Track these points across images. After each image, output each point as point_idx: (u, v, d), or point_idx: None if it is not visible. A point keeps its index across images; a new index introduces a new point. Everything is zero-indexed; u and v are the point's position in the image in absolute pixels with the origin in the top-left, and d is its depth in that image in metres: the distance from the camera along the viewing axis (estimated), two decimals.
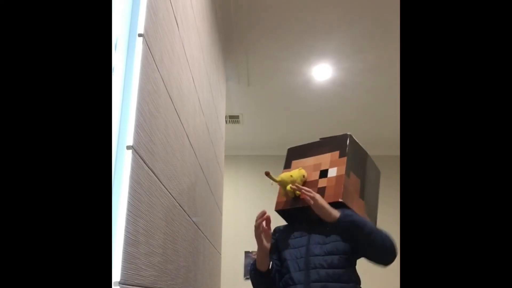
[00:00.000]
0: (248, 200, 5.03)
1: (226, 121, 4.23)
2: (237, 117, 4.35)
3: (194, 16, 1.83)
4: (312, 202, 1.53)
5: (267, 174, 1.69)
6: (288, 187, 1.68)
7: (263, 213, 1.56)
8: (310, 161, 1.81)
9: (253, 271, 1.63)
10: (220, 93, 3.01)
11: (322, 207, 1.53)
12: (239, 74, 3.60)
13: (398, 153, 4.69)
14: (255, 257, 1.63)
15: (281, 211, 1.77)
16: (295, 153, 1.89)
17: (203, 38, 2.09)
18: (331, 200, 1.63)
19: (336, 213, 1.53)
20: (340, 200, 1.62)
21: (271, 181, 1.72)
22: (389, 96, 3.87)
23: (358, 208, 1.71)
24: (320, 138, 1.92)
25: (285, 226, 1.82)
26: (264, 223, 1.57)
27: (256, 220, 1.56)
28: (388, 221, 4.82)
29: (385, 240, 1.54)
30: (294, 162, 1.86)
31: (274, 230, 1.80)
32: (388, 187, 5.00)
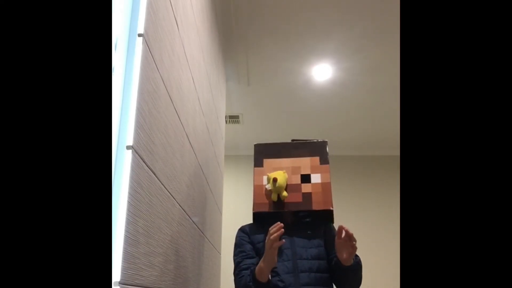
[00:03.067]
0: (248, 200, 5.02)
1: (226, 121, 4.23)
2: (237, 117, 4.35)
3: (194, 16, 1.83)
4: (352, 250, 1.50)
5: (276, 180, 1.66)
6: (284, 193, 1.67)
7: (281, 226, 1.48)
8: (286, 162, 1.79)
9: (251, 282, 1.56)
10: (220, 93, 3.01)
11: (352, 255, 1.52)
12: (239, 74, 3.60)
13: (398, 153, 4.69)
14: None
15: (259, 213, 1.74)
16: (266, 151, 1.85)
17: (203, 38, 2.09)
18: (321, 208, 1.64)
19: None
20: (331, 208, 1.63)
21: (268, 184, 1.70)
22: (389, 96, 3.87)
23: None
24: (293, 140, 1.90)
25: (252, 226, 1.77)
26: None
27: (271, 233, 1.47)
28: (388, 221, 4.85)
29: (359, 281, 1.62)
30: (266, 161, 1.82)
31: (243, 231, 1.76)
32: (388, 187, 5.02)
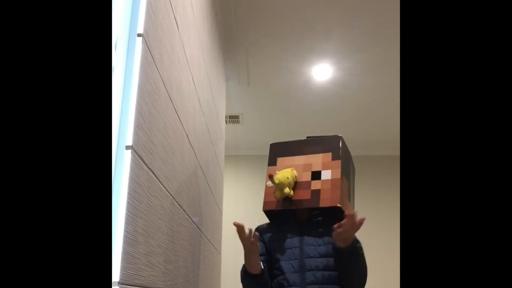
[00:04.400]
0: (248, 200, 5.03)
1: (226, 121, 4.23)
2: (237, 117, 4.35)
3: (194, 16, 1.83)
4: (347, 231, 1.42)
5: (271, 176, 1.65)
6: (286, 190, 1.66)
7: (253, 233, 1.49)
8: (299, 160, 1.76)
9: (244, 274, 1.58)
10: (220, 93, 3.01)
11: (351, 237, 1.45)
12: (239, 74, 3.60)
13: (398, 153, 4.69)
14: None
15: (269, 211, 1.74)
16: (280, 150, 1.84)
17: (203, 38, 2.09)
18: (328, 205, 1.61)
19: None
20: (338, 205, 1.61)
21: (269, 182, 1.69)
22: (389, 96, 3.87)
23: (348, 210, 1.71)
24: (308, 137, 1.88)
25: (268, 225, 1.77)
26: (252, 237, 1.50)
27: (245, 237, 1.48)
28: (388, 221, 4.85)
29: (362, 282, 1.56)
30: (280, 159, 1.80)
31: (259, 229, 1.75)
32: (388, 187, 5.02)
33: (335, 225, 1.44)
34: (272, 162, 1.81)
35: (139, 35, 1.06)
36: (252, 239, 1.48)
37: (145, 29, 1.08)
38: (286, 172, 1.70)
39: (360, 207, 5.55)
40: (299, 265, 1.58)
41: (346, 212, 1.45)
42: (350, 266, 1.52)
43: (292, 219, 1.71)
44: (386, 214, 4.94)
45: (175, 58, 1.43)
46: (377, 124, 4.47)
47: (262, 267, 1.57)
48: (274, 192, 1.69)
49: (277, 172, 1.70)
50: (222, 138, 3.09)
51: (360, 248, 1.51)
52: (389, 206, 4.94)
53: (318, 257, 1.58)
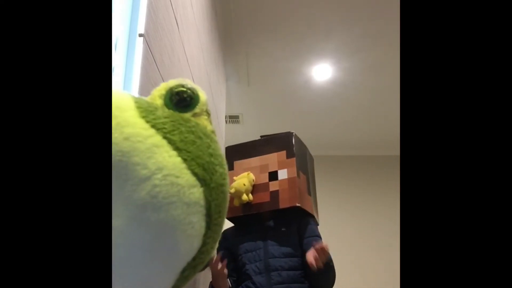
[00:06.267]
0: None
1: (226, 121, 4.22)
2: (237, 117, 4.35)
3: (194, 16, 1.83)
4: (318, 264, 1.42)
5: None
6: (244, 197, 1.63)
7: (222, 261, 1.47)
8: (255, 161, 1.74)
9: None
10: (220, 93, 3.01)
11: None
12: (239, 74, 3.60)
13: (398, 153, 4.68)
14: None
15: (232, 218, 1.71)
16: (236, 153, 1.80)
17: (203, 38, 2.09)
18: (288, 205, 1.59)
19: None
20: (297, 204, 1.58)
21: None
22: (389, 96, 3.87)
23: (309, 206, 1.68)
24: (261, 136, 1.86)
25: (233, 229, 1.76)
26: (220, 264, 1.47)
27: (213, 265, 1.45)
28: (388, 221, 4.85)
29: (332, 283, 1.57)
30: (237, 163, 1.77)
31: (225, 235, 1.72)
32: (387, 187, 5.02)
33: (309, 262, 1.43)
34: (229, 166, 1.79)
35: (140, 35, 1.06)
36: (220, 266, 1.45)
37: (146, 29, 1.08)
38: (242, 178, 1.67)
39: (360, 208, 5.54)
40: (264, 266, 1.56)
41: (317, 246, 1.42)
42: (321, 279, 1.54)
43: (257, 222, 1.70)
44: (386, 214, 4.93)
45: (175, 58, 1.43)
46: (377, 124, 4.47)
47: (230, 285, 1.56)
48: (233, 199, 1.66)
49: (234, 178, 1.67)
50: (222, 138, 3.09)
51: (332, 262, 1.50)
52: (389, 206, 4.94)
53: (282, 257, 1.57)
